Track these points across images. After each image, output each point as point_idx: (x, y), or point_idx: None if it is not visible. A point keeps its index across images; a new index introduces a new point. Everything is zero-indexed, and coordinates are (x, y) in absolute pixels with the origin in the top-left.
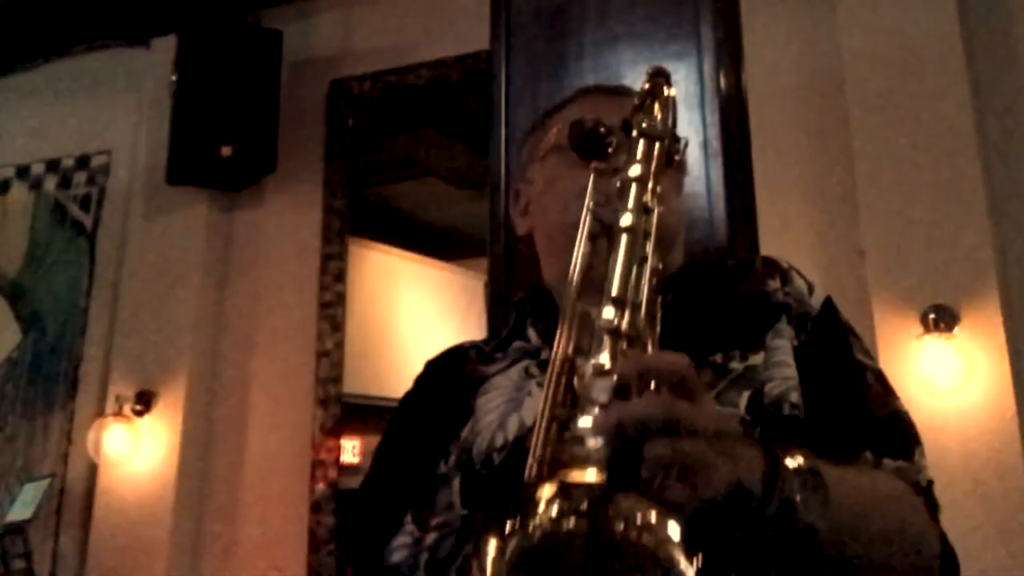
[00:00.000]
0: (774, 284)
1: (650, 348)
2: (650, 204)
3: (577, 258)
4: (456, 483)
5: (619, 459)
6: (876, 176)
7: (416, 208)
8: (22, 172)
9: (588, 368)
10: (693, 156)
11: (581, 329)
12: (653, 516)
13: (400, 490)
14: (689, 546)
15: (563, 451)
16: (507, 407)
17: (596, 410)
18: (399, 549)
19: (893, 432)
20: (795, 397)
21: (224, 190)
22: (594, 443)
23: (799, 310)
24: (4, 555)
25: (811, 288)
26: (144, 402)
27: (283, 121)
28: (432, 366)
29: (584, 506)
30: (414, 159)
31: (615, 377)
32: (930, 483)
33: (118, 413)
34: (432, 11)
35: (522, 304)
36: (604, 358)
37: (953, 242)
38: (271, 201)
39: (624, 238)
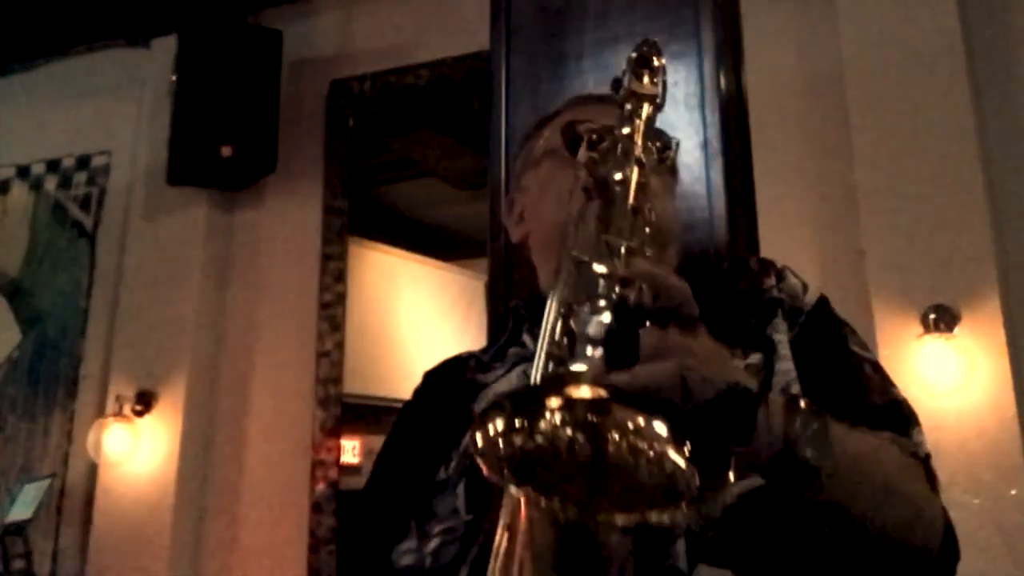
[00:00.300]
0: (769, 282)
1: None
2: (642, 158)
3: (572, 211)
4: (461, 488)
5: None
6: (876, 176)
7: (416, 208)
8: (22, 172)
9: (584, 308)
10: (693, 156)
11: (577, 279)
12: (642, 420)
13: (403, 498)
14: (677, 438)
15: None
16: None
17: (589, 350)
18: (408, 553)
19: (891, 416)
20: (796, 389)
21: (224, 190)
22: (595, 355)
23: (791, 305)
24: (4, 555)
25: (805, 287)
26: (144, 402)
27: (283, 121)
28: (431, 377)
29: (584, 418)
30: (414, 159)
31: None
32: (927, 456)
33: (118, 413)
34: (432, 11)
35: (518, 311)
36: (600, 302)
37: (953, 242)
38: (271, 201)
39: (617, 190)
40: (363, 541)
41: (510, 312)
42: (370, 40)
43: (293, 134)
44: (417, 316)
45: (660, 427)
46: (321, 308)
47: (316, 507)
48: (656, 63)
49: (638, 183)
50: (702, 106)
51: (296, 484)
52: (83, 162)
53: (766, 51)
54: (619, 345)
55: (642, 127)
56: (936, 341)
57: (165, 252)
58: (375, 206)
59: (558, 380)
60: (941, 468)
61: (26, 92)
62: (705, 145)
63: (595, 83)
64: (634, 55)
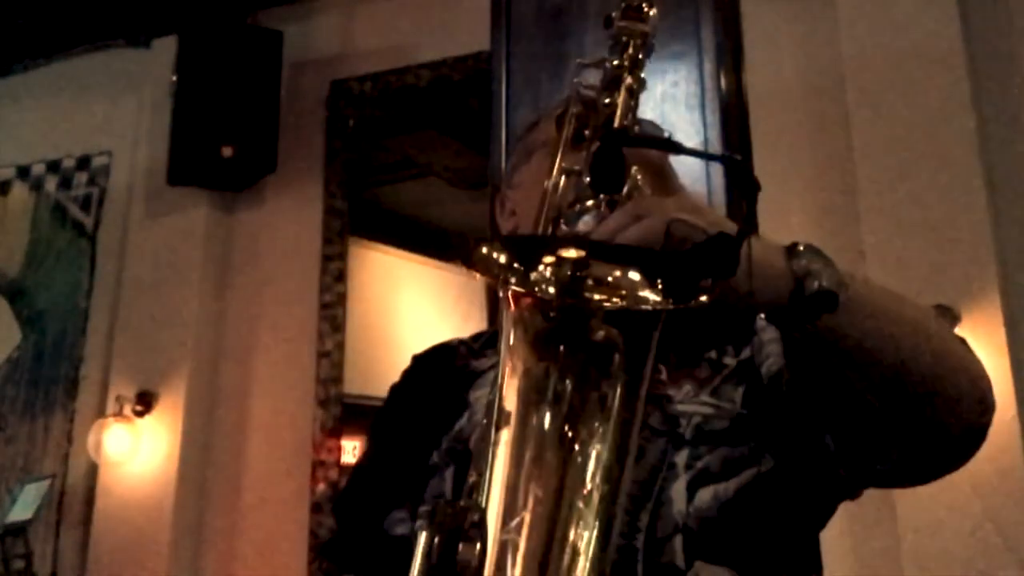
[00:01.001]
0: None
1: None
2: (634, 86)
3: (565, 133)
4: (449, 472)
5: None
6: (876, 176)
7: (416, 208)
8: (23, 173)
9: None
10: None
11: (555, 221)
12: (617, 272)
13: (396, 474)
14: (651, 280)
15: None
16: None
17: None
18: (401, 523)
19: None
20: (783, 377)
21: (224, 191)
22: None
23: None
24: (5, 555)
25: None
26: (145, 403)
27: (283, 122)
28: (420, 360)
29: (567, 275)
30: (414, 159)
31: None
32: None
33: (119, 414)
34: (432, 12)
35: None
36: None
37: (954, 243)
38: (271, 202)
39: (606, 114)
40: (357, 509)
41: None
42: (370, 41)
43: (293, 134)
44: (417, 316)
45: (633, 275)
46: (321, 308)
47: (316, 507)
48: (646, 9)
49: (626, 106)
50: (702, 106)
51: (296, 484)
52: (83, 162)
53: (766, 51)
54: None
55: (631, 57)
56: None
57: (165, 252)
58: (375, 206)
59: (549, 239)
60: None
61: (27, 92)
62: (705, 145)
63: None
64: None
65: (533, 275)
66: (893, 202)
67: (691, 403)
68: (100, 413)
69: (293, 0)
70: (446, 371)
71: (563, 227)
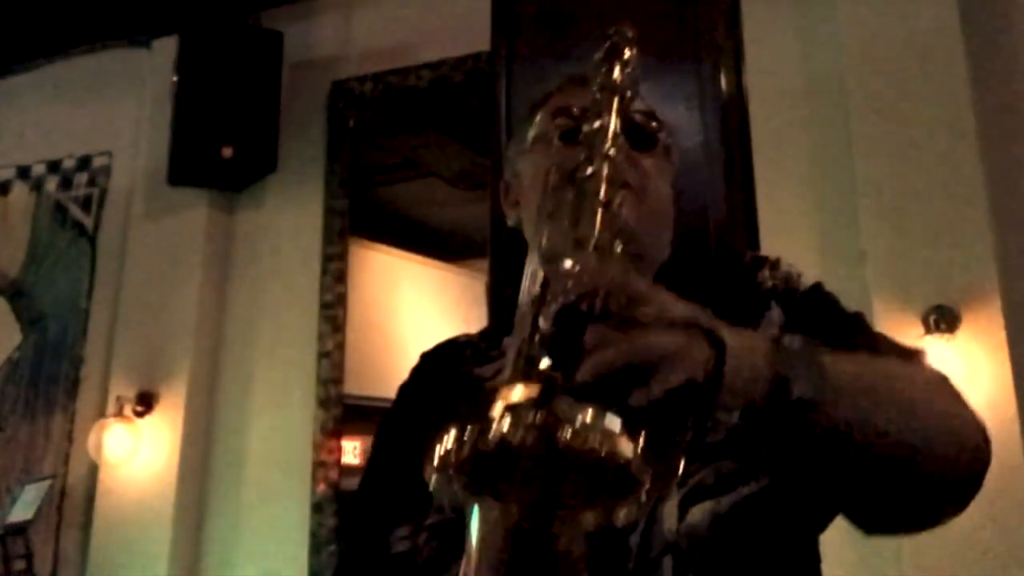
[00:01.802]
0: (763, 274)
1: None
2: (611, 152)
3: (544, 206)
4: None
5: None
6: (876, 176)
7: (417, 209)
8: (23, 173)
9: (552, 307)
10: (694, 156)
11: (548, 275)
12: (590, 414)
13: (401, 486)
14: (631, 430)
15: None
16: None
17: (543, 353)
18: (402, 540)
19: (904, 357)
20: None
21: (225, 191)
22: (545, 361)
23: (784, 287)
24: (5, 556)
25: (799, 274)
26: (145, 403)
27: (284, 122)
28: (428, 359)
29: (531, 419)
30: (415, 160)
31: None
32: (944, 376)
33: (119, 414)
34: (433, 12)
35: (510, 298)
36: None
37: (954, 243)
38: (272, 202)
39: (587, 185)
40: (362, 523)
41: (506, 300)
42: (371, 41)
43: (294, 135)
44: (418, 316)
45: (611, 419)
46: (322, 308)
47: (317, 508)
48: (627, 54)
49: (608, 177)
50: (702, 106)
51: (297, 485)
52: (84, 163)
53: (766, 51)
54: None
55: (613, 120)
56: (937, 342)
57: (166, 253)
58: (376, 206)
59: (502, 388)
60: None
61: (27, 92)
62: (705, 145)
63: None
64: (605, 45)
65: (490, 433)
66: (893, 202)
67: None
68: (100, 413)
69: (294, 0)
70: (451, 374)
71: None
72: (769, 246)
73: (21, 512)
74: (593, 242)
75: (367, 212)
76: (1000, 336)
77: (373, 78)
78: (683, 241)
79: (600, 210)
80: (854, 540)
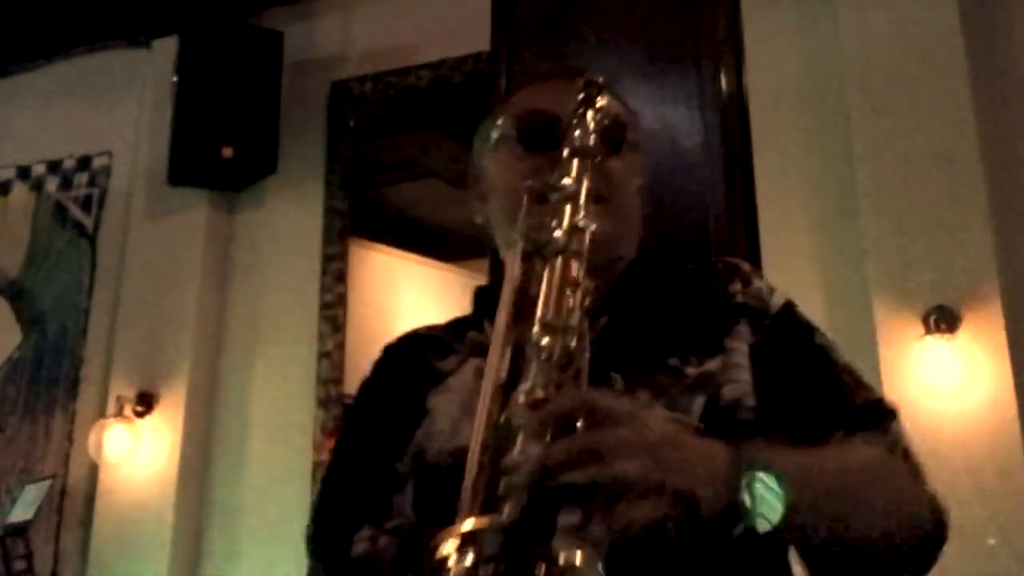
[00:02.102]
0: (734, 287)
1: (583, 373)
2: (580, 223)
3: (510, 279)
4: (409, 487)
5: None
6: (877, 176)
7: (417, 209)
8: (23, 173)
9: (520, 396)
10: (694, 156)
11: (515, 353)
12: (562, 557)
13: (361, 487)
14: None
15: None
16: (460, 412)
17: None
18: (362, 542)
19: (871, 415)
20: (750, 402)
21: (225, 191)
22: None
23: (756, 307)
24: (5, 556)
25: (772, 290)
26: (145, 403)
27: (284, 122)
28: (390, 352)
29: (491, 552)
30: (415, 160)
31: (544, 414)
32: (907, 449)
33: (119, 414)
34: (433, 12)
35: (480, 294)
36: (533, 387)
37: (954, 243)
38: (272, 202)
39: (557, 261)
40: (327, 524)
41: (473, 294)
42: (371, 41)
43: (294, 135)
44: (418, 317)
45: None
46: (322, 309)
47: None
48: (601, 102)
49: (574, 251)
50: (702, 106)
51: (297, 485)
52: (84, 163)
53: (767, 51)
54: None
55: (583, 186)
56: (937, 342)
57: (166, 253)
58: (376, 207)
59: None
60: (941, 469)
61: (27, 93)
62: (705, 145)
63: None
64: (579, 96)
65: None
66: (893, 202)
67: None
68: (101, 413)
69: (294, 1)
70: (412, 367)
71: (511, 417)
72: (769, 246)
73: (21, 512)
74: (561, 327)
75: (367, 212)
76: (1000, 336)
77: (373, 78)
78: (673, 240)
79: (568, 290)
80: None
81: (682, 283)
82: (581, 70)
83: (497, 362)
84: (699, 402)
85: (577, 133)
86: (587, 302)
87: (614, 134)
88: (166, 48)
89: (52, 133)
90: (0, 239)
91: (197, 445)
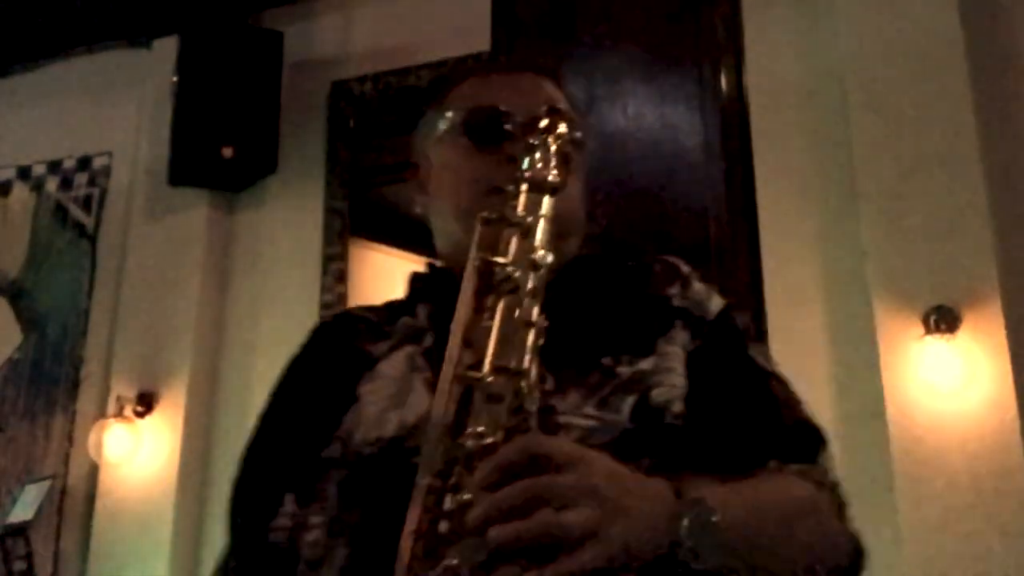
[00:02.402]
0: (672, 290)
1: (532, 417)
2: (539, 260)
3: (462, 314)
4: (335, 475)
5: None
6: (877, 176)
7: None
8: (23, 173)
9: (468, 441)
10: (694, 157)
11: (463, 392)
12: None
13: (282, 469)
14: None
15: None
16: (389, 402)
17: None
18: (278, 531)
19: (800, 438)
20: (678, 407)
21: (225, 191)
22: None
23: (695, 314)
24: (5, 556)
25: (710, 294)
26: (146, 403)
27: (284, 122)
28: (321, 331)
29: None
30: (415, 160)
31: (490, 463)
32: (836, 484)
33: (119, 414)
34: (433, 12)
35: (415, 280)
36: (483, 429)
37: (954, 243)
38: (272, 202)
39: (509, 299)
40: (237, 511)
41: (409, 280)
42: (371, 41)
43: (294, 135)
44: None
45: None
46: (322, 308)
47: None
48: (561, 128)
49: (532, 291)
50: (703, 107)
51: None
52: (84, 163)
53: (766, 51)
54: None
55: (541, 225)
56: (937, 342)
57: (166, 253)
58: (376, 207)
59: None
60: (942, 470)
61: (27, 92)
62: (706, 146)
63: (597, 84)
64: (542, 124)
65: None
66: (893, 202)
67: (574, 415)
68: (101, 414)
69: (294, 1)
70: (342, 348)
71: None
72: (769, 245)
73: (21, 512)
74: (513, 369)
75: (367, 212)
76: (1001, 337)
77: (373, 78)
78: (690, 245)
79: (521, 330)
80: None
81: (619, 282)
82: (527, 62)
83: (445, 402)
84: (629, 402)
85: (538, 164)
86: (540, 341)
87: (570, 154)
88: (166, 48)
89: (52, 133)
90: (0, 239)
91: (198, 445)
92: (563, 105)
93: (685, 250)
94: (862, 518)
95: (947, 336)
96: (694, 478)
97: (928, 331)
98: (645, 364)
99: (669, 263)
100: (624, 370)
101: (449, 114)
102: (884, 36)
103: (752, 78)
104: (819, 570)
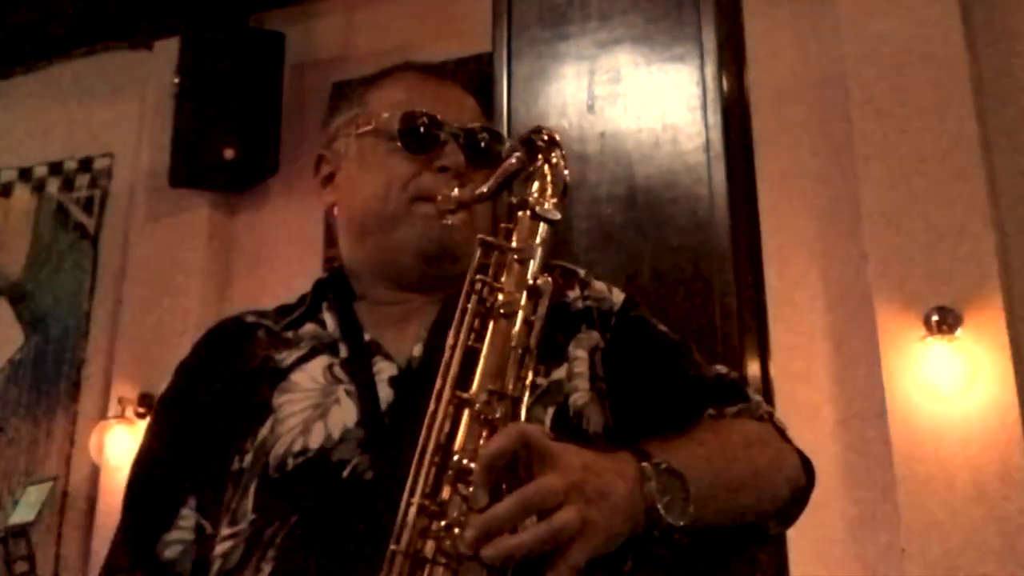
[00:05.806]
0: (573, 293)
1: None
2: (541, 286)
3: (458, 338)
4: (252, 488)
5: None
6: (878, 178)
7: None
8: (25, 174)
9: (457, 463)
10: (695, 157)
11: (456, 414)
12: None
13: (179, 480)
14: None
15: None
16: (312, 413)
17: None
18: (173, 544)
19: (724, 386)
20: (595, 412)
21: (226, 192)
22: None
23: (601, 309)
24: (7, 557)
25: (611, 288)
26: (147, 404)
27: (285, 123)
28: (214, 337)
29: None
30: None
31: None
32: (771, 413)
33: (121, 415)
34: (434, 13)
35: (320, 286)
36: (474, 449)
37: (956, 244)
38: (273, 203)
39: (507, 323)
40: (128, 523)
41: (313, 285)
42: (372, 42)
43: (295, 136)
44: None
45: None
46: None
47: None
48: (553, 157)
49: (529, 316)
50: (704, 107)
51: None
52: (85, 164)
53: (768, 52)
54: None
55: (539, 251)
56: (939, 343)
57: (167, 254)
58: None
59: None
60: (943, 470)
61: (28, 94)
62: (707, 146)
63: (596, 85)
64: (541, 142)
65: None
66: (893, 202)
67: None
68: (102, 415)
69: (295, 2)
70: (239, 355)
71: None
72: (770, 247)
73: (23, 514)
74: (509, 396)
75: None
76: (1002, 337)
77: None
78: (691, 246)
79: (515, 356)
80: (855, 539)
81: None
82: (452, 75)
83: (440, 422)
84: (549, 412)
85: (535, 192)
86: (532, 366)
87: (491, 146)
88: (167, 50)
89: (53, 134)
90: (2, 240)
91: None
92: (484, 122)
93: (685, 251)
94: (863, 518)
95: (948, 337)
96: (648, 442)
97: (929, 332)
98: (559, 372)
99: (566, 268)
100: (541, 380)
101: (385, 115)
102: (885, 36)
103: (753, 78)
104: (780, 495)
